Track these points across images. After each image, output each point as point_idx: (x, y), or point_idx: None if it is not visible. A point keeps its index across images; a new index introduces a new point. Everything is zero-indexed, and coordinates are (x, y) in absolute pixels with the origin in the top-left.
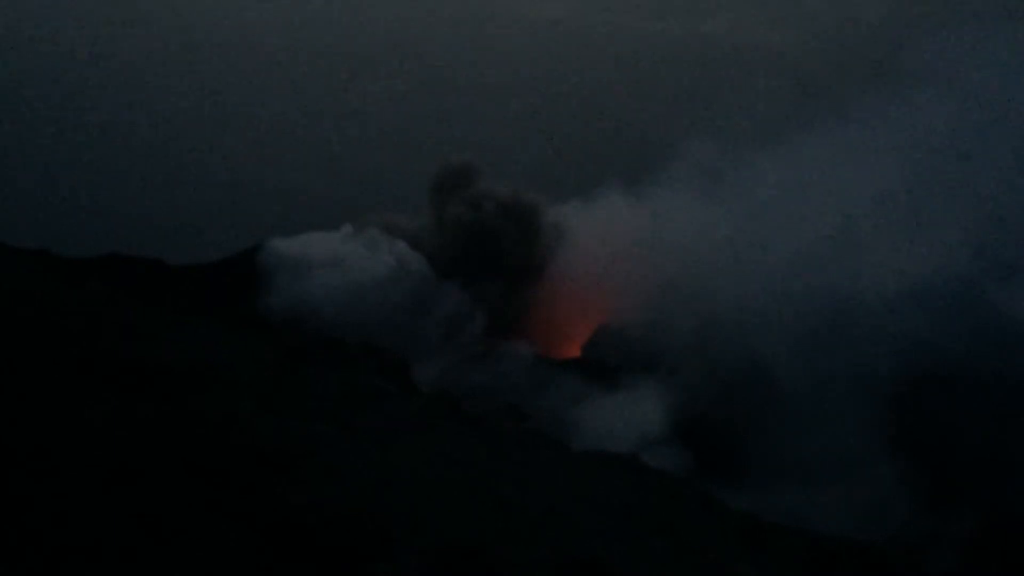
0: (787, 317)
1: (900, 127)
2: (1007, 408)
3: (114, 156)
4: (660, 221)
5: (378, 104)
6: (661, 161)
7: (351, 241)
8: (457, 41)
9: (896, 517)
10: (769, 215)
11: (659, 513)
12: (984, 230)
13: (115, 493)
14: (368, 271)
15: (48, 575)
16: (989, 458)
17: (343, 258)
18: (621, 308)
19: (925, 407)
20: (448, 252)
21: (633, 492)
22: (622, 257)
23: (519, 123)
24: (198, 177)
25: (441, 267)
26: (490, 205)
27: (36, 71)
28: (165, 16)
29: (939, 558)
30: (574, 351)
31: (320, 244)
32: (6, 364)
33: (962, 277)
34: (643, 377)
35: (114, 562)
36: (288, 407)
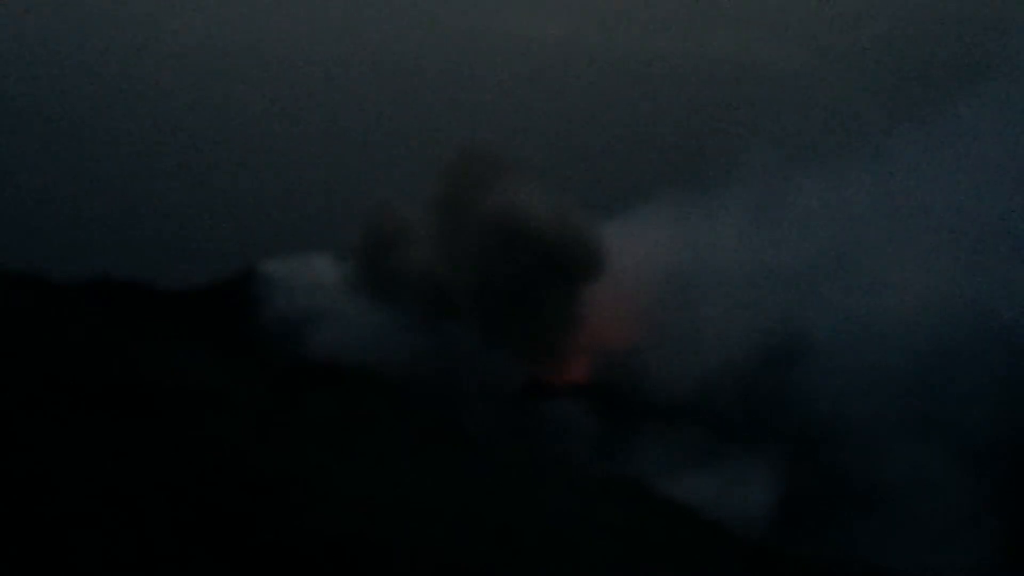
0: (865, 356)
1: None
2: None
3: (102, 175)
4: (704, 245)
5: (381, 119)
6: (694, 182)
7: (387, 308)
8: (462, 57)
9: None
10: (832, 238)
11: (665, 538)
12: None
13: (107, 520)
14: (407, 348)
15: None
16: None
17: (378, 330)
18: (652, 337)
19: None
20: (479, 308)
21: (638, 516)
22: (657, 283)
23: (532, 139)
24: (186, 193)
25: (467, 315)
26: (530, 258)
27: (22, 85)
28: (163, 28)
29: None
30: (579, 374)
31: (331, 291)
32: None
33: None
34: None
35: None
36: (283, 431)
